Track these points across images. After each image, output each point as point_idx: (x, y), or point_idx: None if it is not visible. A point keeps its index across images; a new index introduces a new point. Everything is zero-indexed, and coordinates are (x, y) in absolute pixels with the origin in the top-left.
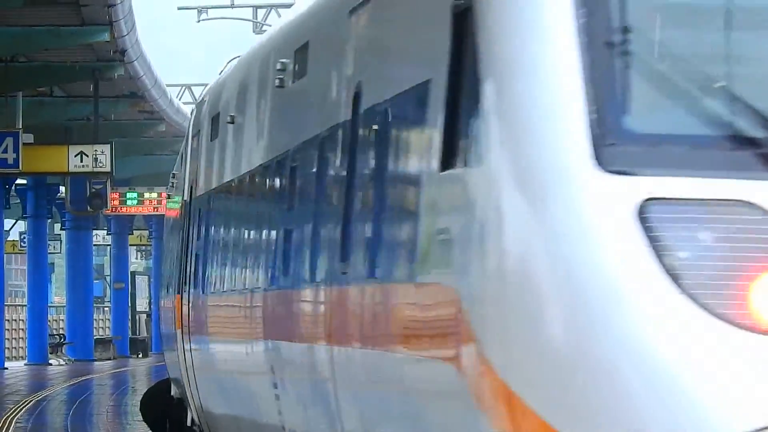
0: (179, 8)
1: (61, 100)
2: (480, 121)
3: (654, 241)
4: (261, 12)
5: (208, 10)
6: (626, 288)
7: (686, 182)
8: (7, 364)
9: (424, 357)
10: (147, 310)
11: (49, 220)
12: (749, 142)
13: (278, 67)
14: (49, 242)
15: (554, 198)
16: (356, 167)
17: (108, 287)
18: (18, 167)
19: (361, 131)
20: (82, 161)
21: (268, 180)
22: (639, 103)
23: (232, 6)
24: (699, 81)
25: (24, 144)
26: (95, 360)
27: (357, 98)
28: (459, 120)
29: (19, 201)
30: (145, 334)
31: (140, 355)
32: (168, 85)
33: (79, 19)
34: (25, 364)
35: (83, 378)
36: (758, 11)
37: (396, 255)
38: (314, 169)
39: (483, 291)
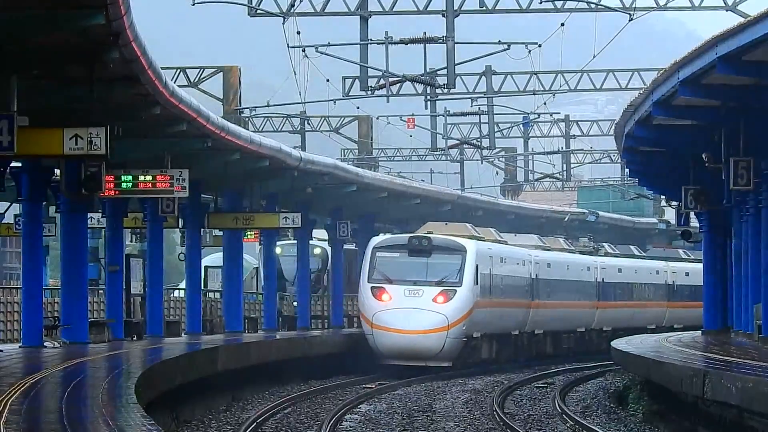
0: None
1: (56, 83)
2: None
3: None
4: None
5: None
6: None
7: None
8: (1, 346)
9: None
10: (141, 292)
11: (45, 203)
12: None
13: None
14: (44, 225)
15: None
16: None
17: (102, 270)
18: (13, 150)
19: None
20: (77, 144)
21: None
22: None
23: None
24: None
25: (19, 127)
26: (90, 343)
27: None
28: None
29: (14, 184)
30: (140, 317)
31: (134, 338)
32: (163, 68)
33: (74, 3)
34: (20, 347)
35: (78, 360)
36: None
37: None
38: None
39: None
